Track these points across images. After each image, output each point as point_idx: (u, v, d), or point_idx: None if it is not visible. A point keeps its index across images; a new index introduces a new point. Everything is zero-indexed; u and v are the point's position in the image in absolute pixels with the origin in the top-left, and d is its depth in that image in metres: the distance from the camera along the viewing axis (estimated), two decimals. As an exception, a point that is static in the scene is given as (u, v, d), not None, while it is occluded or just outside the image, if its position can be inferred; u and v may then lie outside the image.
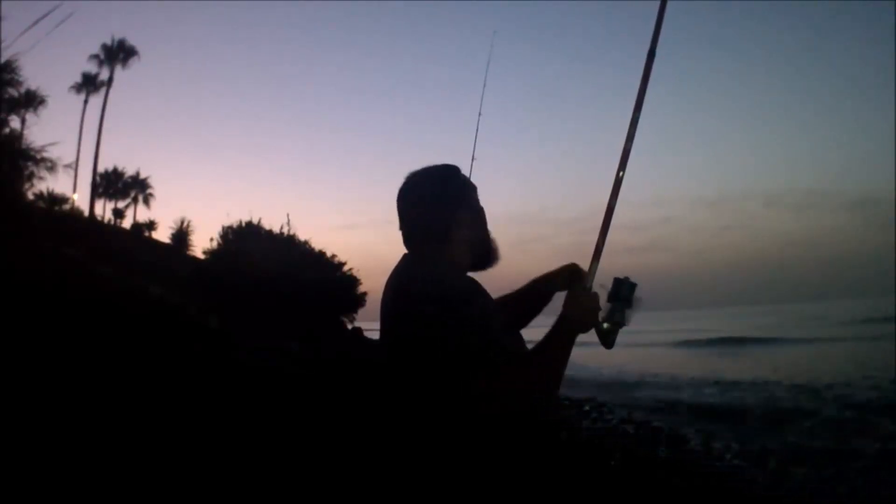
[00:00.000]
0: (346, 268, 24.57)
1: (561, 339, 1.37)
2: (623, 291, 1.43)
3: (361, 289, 24.72)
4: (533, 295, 1.74)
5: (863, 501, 5.96)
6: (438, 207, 1.54)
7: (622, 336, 1.46)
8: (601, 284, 1.45)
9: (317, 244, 24.54)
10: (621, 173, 1.49)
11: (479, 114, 2.34)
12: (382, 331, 1.50)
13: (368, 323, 23.68)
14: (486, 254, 1.59)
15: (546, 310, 1.75)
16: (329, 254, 24.55)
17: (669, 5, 1.58)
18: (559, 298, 1.48)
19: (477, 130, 2.28)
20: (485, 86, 2.37)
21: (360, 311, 25.28)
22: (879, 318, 38.74)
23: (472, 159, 2.15)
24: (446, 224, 1.53)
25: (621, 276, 1.44)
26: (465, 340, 1.32)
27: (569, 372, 1.40)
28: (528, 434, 1.40)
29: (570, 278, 1.68)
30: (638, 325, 1.54)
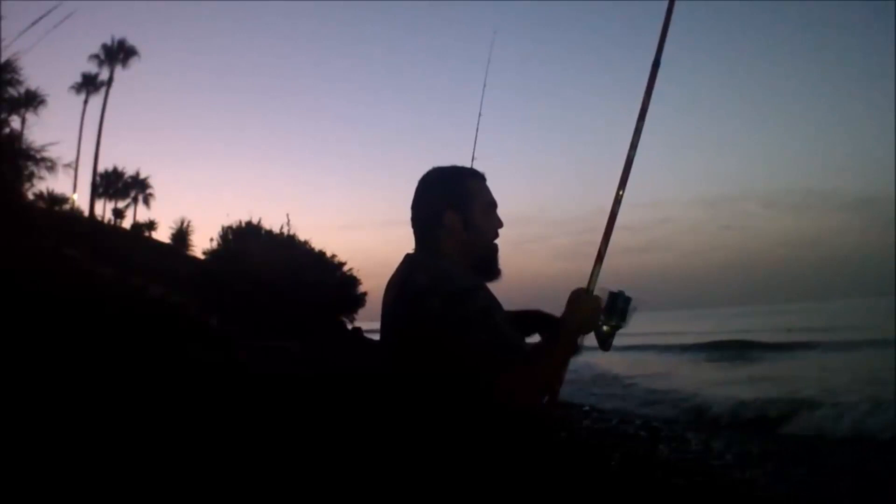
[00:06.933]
0: (346, 268, 24.62)
1: (563, 340, 1.38)
2: (619, 305, 1.46)
3: (361, 289, 24.81)
4: None
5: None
6: (429, 205, 1.56)
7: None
8: (602, 287, 1.47)
9: (317, 244, 24.62)
10: (621, 192, 1.50)
11: (480, 114, 2.35)
12: (384, 330, 1.50)
13: (368, 323, 23.63)
14: (482, 264, 1.56)
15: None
16: (329, 254, 24.64)
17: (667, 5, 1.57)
18: (562, 298, 1.49)
19: (477, 130, 2.30)
20: (485, 86, 2.38)
21: (360, 311, 25.34)
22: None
23: (473, 159, 2.16)
24: (434, 221, 1.54)
25: (616, 290, 1.47)
26: (468, 337, 1.32)
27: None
28: (528, 434, 1.40)
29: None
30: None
